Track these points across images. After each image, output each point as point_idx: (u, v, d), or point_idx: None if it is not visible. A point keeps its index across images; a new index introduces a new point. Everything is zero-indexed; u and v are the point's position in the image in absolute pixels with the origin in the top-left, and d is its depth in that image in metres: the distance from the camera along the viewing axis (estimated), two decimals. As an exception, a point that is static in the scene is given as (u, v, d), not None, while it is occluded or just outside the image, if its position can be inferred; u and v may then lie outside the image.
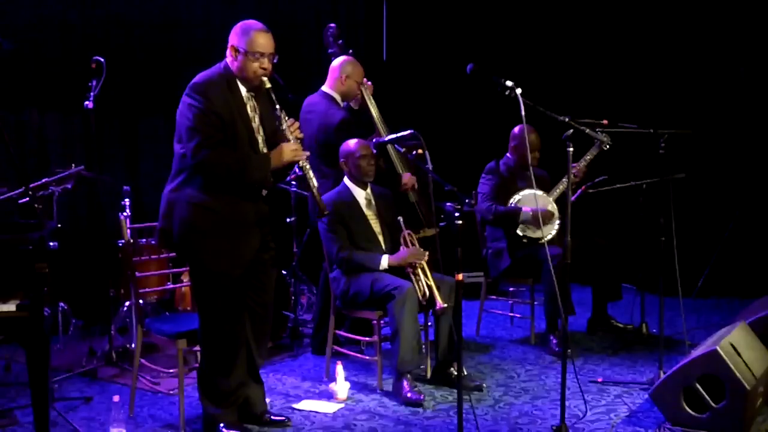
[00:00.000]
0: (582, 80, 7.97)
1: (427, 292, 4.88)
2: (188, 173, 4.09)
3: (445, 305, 4.84)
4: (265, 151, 4.18)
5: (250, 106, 4.16)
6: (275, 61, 4.16)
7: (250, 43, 4.04)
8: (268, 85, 4.11)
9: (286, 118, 4.15)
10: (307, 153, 4.17)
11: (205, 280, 4.15)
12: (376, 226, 5.23)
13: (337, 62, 5.63)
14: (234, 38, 4.09)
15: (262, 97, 4.20)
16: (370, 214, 5.23)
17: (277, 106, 4.12)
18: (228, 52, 4.11)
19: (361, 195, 5.22)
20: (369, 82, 5.68)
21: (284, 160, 4.10)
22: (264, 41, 4.07)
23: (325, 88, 5.65)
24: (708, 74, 7.55)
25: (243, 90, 4.14)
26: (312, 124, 5.51)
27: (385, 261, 4.99)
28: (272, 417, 4.43)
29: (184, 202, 4.09)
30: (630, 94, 7.68)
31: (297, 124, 4.21)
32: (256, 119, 4.18)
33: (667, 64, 7.67)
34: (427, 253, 5.01)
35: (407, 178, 5.61)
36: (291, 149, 4.10)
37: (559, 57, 8.13)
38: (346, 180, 5.22)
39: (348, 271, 5.05)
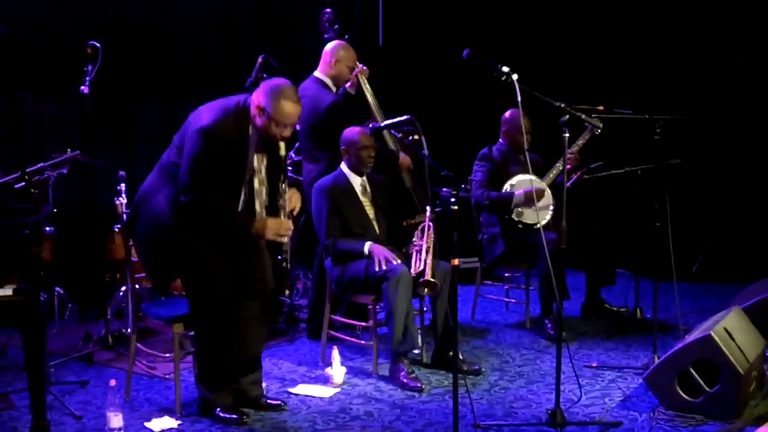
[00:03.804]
0: (577, 66, 7.96)
1: (420, 267, 4.87)
2: (174, 187, 4.14)
3: (431, 280, 4.79)
4: (264, 193, 4.25)
5: (258, 146, 4.20)
6: (297, 127, 4.16)
7: (278, 111, 4.04)
8: (283, 153, 4.19)
9: (287, 190, 4.22)
10: (288, 239, 4.21)
11: (189, 274, 4.21)
12: (370, 212, 5.24)
13: (329, 47, 5.63)
14: (263, 98, 4.06)
15: (271, 152, 4.25)
16: (365, 201, 5.24)
17: (282, 176, 4.19)
18: (253, 106, 4.09)
19: (357, 182, 5.22)
20: (364, 67, 5.66)
21: (265, 236, 4.14)
22: (293, 111, 4.08)
23: (316, 73, 5.64)
24: (703, 60, 7.54)
25: (254, 136, 4.15)
26: (303, 109, 5.51)
27: (367, 247, 4.98)
28: (268, 401, 4.45)
29: (157, 214, 4.18)
30: (625, 80, 7.67)
31: (296, 198, 4.29)
32: (265, 160, 4.25)
33: (663, 50, 7.65)
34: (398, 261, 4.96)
35: (403, 157, 5.64)
36: (275, 230, 4.13)
37: (555, 43, 8.11)
38: (343, 166, 5.22)
39: (334, 258, 5.07)
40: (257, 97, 4.09)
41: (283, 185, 4.23)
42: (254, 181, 4.24)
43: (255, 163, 4.21)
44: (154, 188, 4.25)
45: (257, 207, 4.26)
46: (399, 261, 4.91)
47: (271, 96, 4.04)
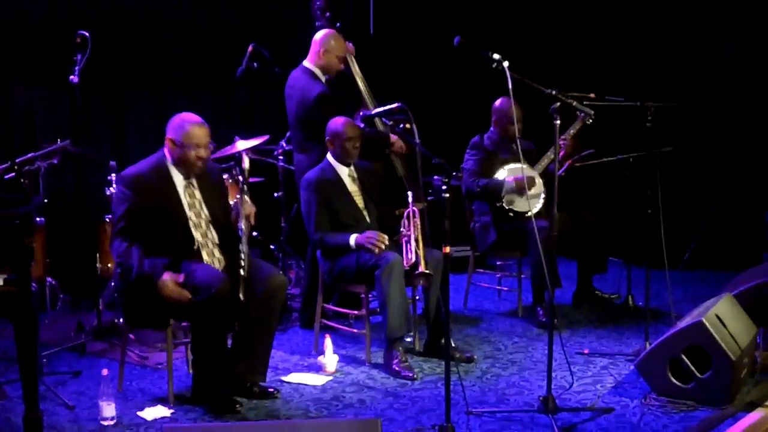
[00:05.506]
0: (569, 53, 7.95)
1: (413, 259, 4.86)
2: None
3: (427, 271, 4.80)
4: (203, 225, 4.43)
5: (188, 193, 4.40)
6: (212, 148, 4.49)
7: (186, 136, 4.30)
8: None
9: (246, 202, 4.44)
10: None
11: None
12: (360, 202, 5.22)
13: (318, 36, 5.59)
14: (171, 131, 4.35)
15: (207, 184, 4.48)
16: (355, 191, 5.22)
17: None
18: (166, 144, 4.36)
19: (344, 172, 5.21)
20: (350, 45, 5.62)
21: (162, 292, 4.16)
22: (199, 133, 4.34)
23: (305, 62, 5.61)
24: (696, 48, 7.54)
25: (179, 177, 4.37)
26: (292, 100, 5.51)
27: (352, 240, 4.95)
28: (261, 389, 4.45)
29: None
30: (617, 67, 7.66)
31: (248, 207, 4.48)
32: (196, 204, 4.42)
33: (656, 37, 7.65)
34: (385, 237, 4.93)
35: (395, 138, 5.61)
36: (174, 293, 4.14)
37: (546, 30, 8.10)
38: (329, 157, 5.21)
39: (323, 252, 5.07)
40: (167, 134, 4.36)
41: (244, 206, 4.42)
42: (192, 219, 4.41)
43: (186, 197, 4.39)
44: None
45: (199, 238, 4.41)
46: (386, 239, 4.87)
47: (177, 127, 4.34)
